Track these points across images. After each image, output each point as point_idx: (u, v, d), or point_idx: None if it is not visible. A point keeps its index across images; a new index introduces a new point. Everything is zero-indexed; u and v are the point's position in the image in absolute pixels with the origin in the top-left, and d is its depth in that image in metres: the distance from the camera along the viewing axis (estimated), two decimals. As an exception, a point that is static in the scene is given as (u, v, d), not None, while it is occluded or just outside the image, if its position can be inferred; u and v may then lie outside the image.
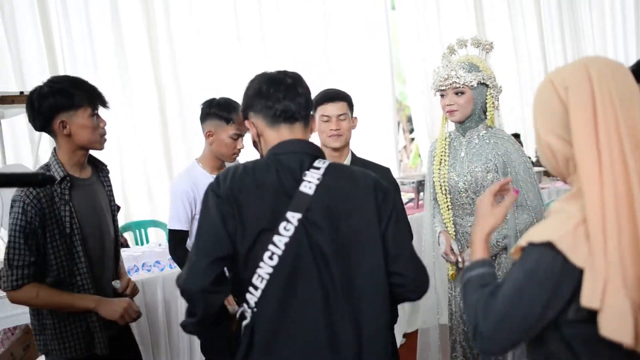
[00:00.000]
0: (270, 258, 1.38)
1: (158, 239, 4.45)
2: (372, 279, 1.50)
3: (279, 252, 1.39)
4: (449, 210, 2.56)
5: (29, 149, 4.00)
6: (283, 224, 1.39)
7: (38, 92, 1.99)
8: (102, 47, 4.32)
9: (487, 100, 2.48)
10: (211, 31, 4.78)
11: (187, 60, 4.68)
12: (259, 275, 1.39)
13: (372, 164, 2.52)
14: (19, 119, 3.78)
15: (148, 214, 4.57)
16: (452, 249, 2.49)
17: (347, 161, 2.55)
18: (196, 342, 3.18)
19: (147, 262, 3.47)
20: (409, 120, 9.39)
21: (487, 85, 2.45)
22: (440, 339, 2.81)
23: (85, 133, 2.03)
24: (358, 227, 1.49)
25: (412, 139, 9.55)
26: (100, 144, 2.09)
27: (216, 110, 2.54)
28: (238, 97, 1.87)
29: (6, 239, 1.93)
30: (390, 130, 5.70)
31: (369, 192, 1.53)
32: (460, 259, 2.48)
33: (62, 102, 1.98)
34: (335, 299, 1.43)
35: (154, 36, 4.53)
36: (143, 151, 4.52)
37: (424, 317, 3.09)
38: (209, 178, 2.57)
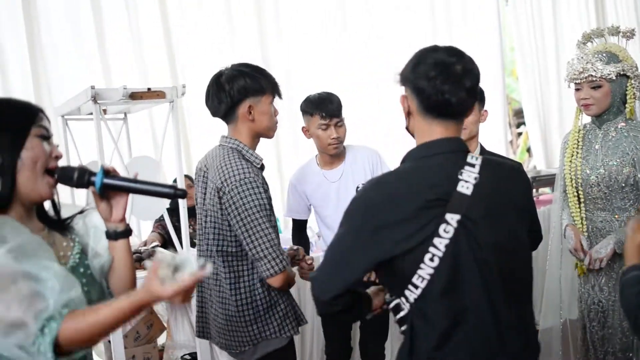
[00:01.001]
0: (431, 260, 1.37)
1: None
2: (527, 272, 1.51)
3: (440, 254, 1.37)
4: (578, 204, 2.46)
5: (150, 144, 4.19)
6: (443, 226, 1.37)
7: (226, 75, 2.02)
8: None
9: (627, 92, 2.35)
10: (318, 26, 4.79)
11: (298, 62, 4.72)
12: (419, 276, 1.38)
13: (502, 157, 2.47)
14: (141, 115, 3.98)
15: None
16: (581, 245, 2.40)
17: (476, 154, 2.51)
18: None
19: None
20: (515, 114, 9.12)
21: (627, 76, 2.32)
22: (562, 337, 2.73)
23: (265, 120, 2.05)
24: (514, 221, 1.48)
25: (519, 134, 9.25)
26: (273, 132, 2.13)
27: (302, 106, 2.65)
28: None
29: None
30: (500, 124, 5.54)
31: (520, 184, 1.54)
32: (588, 257, 2.37)
33: (252, 85, 2.00)
34: (498, 298, 1.41)
35: (265, 41, 4.60)
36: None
37: (545, 316, 3.00)
38: (318, 173, 2.72)
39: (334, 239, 1.46)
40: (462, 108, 1.46)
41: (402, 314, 1.44)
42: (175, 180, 3.72)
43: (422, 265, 1.37)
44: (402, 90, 1.51)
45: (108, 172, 1.35)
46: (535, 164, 6.06)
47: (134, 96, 2.95)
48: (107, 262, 1.40)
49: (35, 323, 1.10)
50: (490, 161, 1.51)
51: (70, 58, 3.94)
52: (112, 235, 1.39)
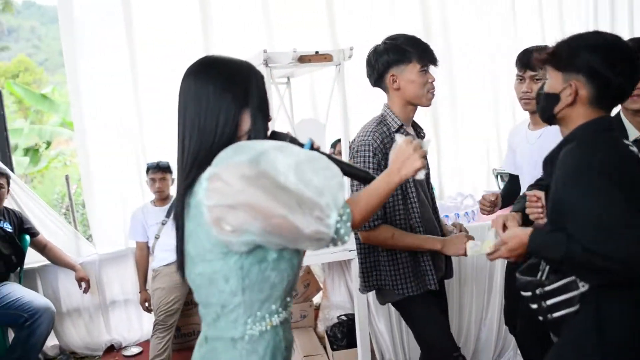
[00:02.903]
0: None
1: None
2: None
3: None
4: None
5: (309, 108, 4.27)
6: None
7: (374, 49, 2.18)
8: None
9: None
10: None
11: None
12: None
13: None
14: (301, 79, 4.06)
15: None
16: None
17: None
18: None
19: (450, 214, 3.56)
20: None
21: None
22: None
23: (412, 87, 2.14)
24: None
25: None
26: (426, 99, 2.17)
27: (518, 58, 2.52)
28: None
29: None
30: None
31: None
32: None
33: (394, 58, 2.13)
34: None
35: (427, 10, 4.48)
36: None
37: None
38: (524, 132, 2.58)
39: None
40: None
41: (569, 295, 1.39)
42: (335, 143, 3.84)
43: None
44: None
45: (312, 145, 1.43)
46: None
47: (303, 59, 2.99)
48: None
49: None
50: None
51: (237, 23, 4.11)
52: None
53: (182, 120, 1.31)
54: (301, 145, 1.42)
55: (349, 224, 1.24)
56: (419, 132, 2.33)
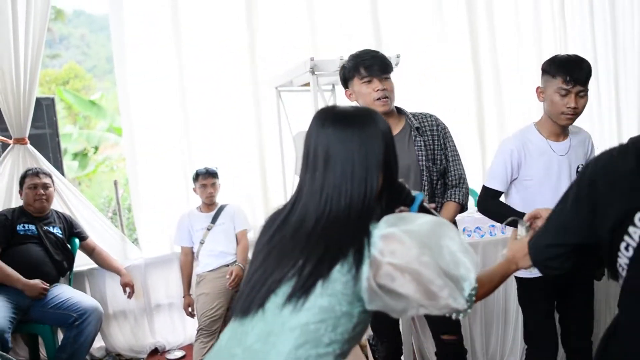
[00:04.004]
0: (626, 249, 1.27)
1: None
2: None
3: (634, 244, 1.25)
4: None
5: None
6: (638, 215, 1.24)
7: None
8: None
9: None
10: None
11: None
12: (620, 264, 1.30)
13: None
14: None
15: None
16: None
17: None
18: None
19: (468, 227, 3.48)
20: None
21: None
22: None
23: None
24: None
25: None
26: (379, 105, 2.38)
27: (545, 65, 2.39)
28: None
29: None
30: None
31: None
32: None
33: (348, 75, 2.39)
34: None
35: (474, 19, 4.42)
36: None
37: None
38: (541, 142, 2.46)
39: None
40: None
41: None
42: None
43: (619, 254, 1.28)
44: None
45: (422, 200, 1.51)
46: None
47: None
48: None
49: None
50: None
51: (282, 28, 4.14)
52: None
53: (323, 174, 1.30)
54: (413, 197, 1.48)
55: (473, 300, 1.27)
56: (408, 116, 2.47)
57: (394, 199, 1.42)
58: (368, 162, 1.28)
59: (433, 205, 1.64)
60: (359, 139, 1.28)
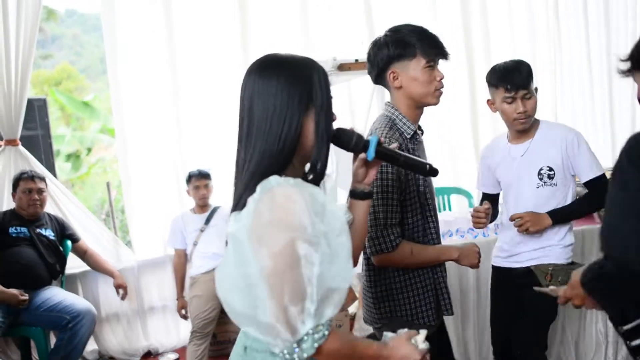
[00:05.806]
0: None
1: (460, 207, 4.46)
2: None
3: None
4: None
5: (347, 115, 4.26)
6: None
7: (375, 43, 1.92)
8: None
9: None
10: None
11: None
12: None
13: None
14: (341, 87, 4.05)
15: (452, 180, 4.58)
16: None
17: None
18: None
19: (461, 228, 3.47)
20: None
21: None
22: None
23: (415, 85, 1.87)
24: None
25: None
26: (434, 98, 1.90)
27: (487, 77, 2.44)
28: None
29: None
30: None
31: None
32: None
33: (395, 52, 1.86)
34: None
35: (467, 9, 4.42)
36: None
37: None
38: (504, 147, 2.49)
39: None
40: None
41: None
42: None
43: None
44: None
45: (379, 143, 1.42)
46: None
47: (342, 67, 2.98)
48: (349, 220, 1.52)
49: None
50: None
51: (275, 30, 4.13)
52: (359, 195, 1.52)
53: (247, 122, 1.29)
54: (367, 142, 1.40)
55: (315, 345, 1.14)
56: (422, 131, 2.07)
57: (341, 147, 1.37)
58: (289, 99, 1.23)
59: (395, 145, 1.48)
60: (282, 77, 1.24)
